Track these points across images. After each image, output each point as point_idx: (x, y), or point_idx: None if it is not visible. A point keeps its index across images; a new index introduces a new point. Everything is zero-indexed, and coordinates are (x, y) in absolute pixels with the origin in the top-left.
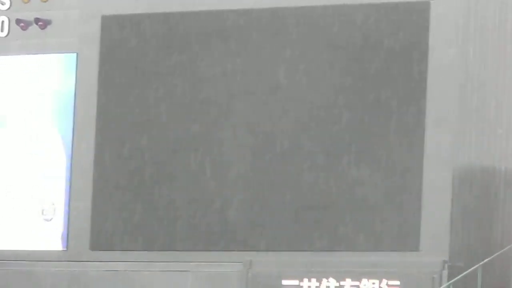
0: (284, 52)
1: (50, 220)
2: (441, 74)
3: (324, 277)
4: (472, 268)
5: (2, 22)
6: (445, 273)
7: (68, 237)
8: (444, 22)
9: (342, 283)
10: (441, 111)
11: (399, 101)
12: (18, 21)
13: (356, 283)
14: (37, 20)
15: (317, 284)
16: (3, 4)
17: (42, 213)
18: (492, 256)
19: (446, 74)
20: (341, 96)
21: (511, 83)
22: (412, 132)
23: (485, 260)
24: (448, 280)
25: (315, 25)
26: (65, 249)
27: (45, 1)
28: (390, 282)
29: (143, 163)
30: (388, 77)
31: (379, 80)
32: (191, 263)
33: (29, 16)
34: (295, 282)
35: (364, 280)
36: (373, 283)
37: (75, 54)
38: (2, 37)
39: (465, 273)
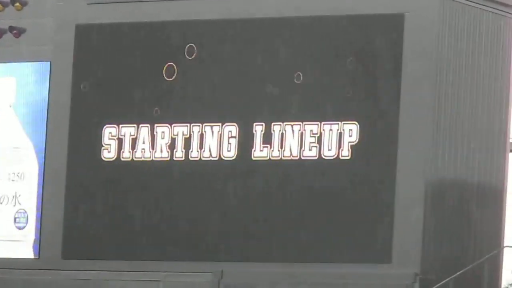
0: (258, 63)
1: (23, 228)
2: (415, 87)
3: None
4: (444, 281)
5: None
6: (417, 285)
7: (40, 246)
8: (418, 34)
9: None
10: (414, 123)
11: (372, 113)
12: None
13: None
14: (11, 29)
15: None
16: None
17: (15, 221)
18: (464, 269)
19: (420, 87)
20: (313, 108)
21: (485, 96)
22: (385, 144)
23: (457, 273)
24: None
25: (290, 36)
26: (37, 257)
27: (19, 10)
28: None
29: (116, 171)
30: (361, 89)
31: (352, 92)
32: (162, 273)
33: (4, 24)
34: None
35: None
36: None
37: (48, 63)
38: None
39: (436, 286)
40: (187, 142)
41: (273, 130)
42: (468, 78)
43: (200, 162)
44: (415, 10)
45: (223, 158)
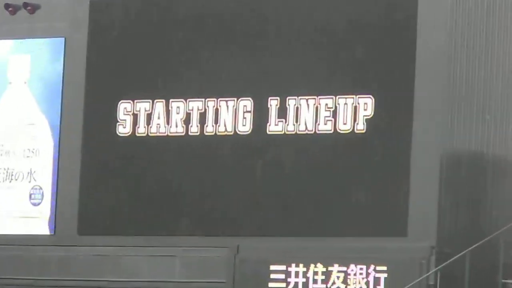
0: (272, 37)
1: (38, 204)
2: (429, 60)
3: (311, 263)
4: (460, 254)
5: None
6: (433, 258)
7: (56, 222)
8: (432, 7)
9: (329, 268)
10: (429, 96)
11: (387, 87)
12: (6, 6)
13: (344, 268)
14: (25, 5)
15: (305, 269)
16: None
17: (30, 197)
18: (480, 242)
19: (434, 60)
20: (327, 83)
21: (499, 69)
22: (400, 117)
23: (473, 246)
24: (436, 266)
25: (302, 10)
26: (52, 233)
27: None
28: (378, 268)
29: (131, 147)
30: (376, 63)
31: (367, 67)
32: (178, 248)
33: (18, 0)
34: (282, 267)
35: (352, 266)
36: (361, 269)
37: (63, 39)
38: None
39: (452, 259)
40: (202, 117)
41: (288, 104)
42: (482, 50)
43: (215, 137)
44: None
45: (238, 132)
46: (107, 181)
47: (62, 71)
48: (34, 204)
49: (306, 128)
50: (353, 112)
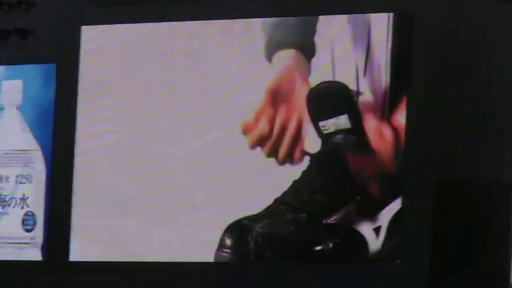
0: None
1: (31, 230)
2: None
3: None
4: (451, 280)
5: None
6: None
7: (48, 248)
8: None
9: None
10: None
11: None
12: None
13: None
14: (17, 31)
15: None
16: None
17: (23, 223)
18: (471, 269)
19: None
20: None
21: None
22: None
23: (464, 273)
24: None
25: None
26: (44, 259)
27: (25, 12)
28: None
29: (125, 174)
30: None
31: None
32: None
33: (10, 26)
34: None
35: None
36: None
37: (54, 65)
38: None
39: (445, 284)
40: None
41: None
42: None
43: None
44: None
45: None
46: (100, 206)
47: (53, 97)
48: (27, 230)
49: None
50: None
